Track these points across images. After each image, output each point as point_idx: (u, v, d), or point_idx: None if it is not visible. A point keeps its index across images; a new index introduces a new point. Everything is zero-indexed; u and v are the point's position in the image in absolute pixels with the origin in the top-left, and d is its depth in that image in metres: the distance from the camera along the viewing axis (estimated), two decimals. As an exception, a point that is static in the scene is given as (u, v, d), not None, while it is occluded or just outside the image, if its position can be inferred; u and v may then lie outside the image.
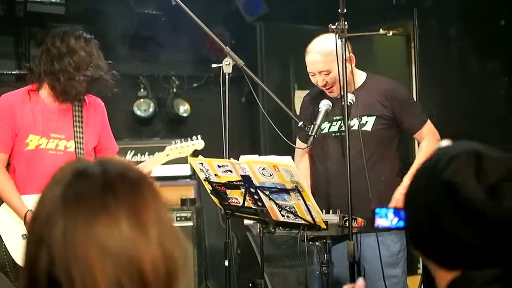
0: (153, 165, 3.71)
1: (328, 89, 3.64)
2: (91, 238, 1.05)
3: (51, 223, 1.07)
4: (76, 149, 3.55)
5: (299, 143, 3.86)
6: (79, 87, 3.49)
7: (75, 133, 3.57)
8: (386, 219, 1.44)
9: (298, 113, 6.44)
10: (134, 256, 1.06)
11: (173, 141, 3.74)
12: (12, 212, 3.47)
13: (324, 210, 3.25)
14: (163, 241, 1.10)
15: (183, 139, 3.74)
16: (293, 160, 3.13)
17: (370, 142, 3.54)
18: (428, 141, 3.67)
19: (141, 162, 4.12)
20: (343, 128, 3.63)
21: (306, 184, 3.05)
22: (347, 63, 3.30)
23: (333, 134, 3.69)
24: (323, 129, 3.67)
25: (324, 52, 3.56)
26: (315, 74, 3.63)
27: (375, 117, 3.63)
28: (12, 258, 3.44)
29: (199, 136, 3.72)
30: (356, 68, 3.70)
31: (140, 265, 1.06)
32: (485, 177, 1.29)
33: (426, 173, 1.37)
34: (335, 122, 3.69)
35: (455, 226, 1.29)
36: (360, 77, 3.75)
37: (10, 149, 3.52)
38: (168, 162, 3.67)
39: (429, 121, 3.73)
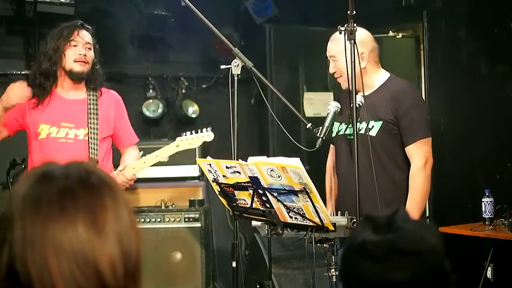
0: (164, 154, 3.66)
1: (337, 78, 3.68)
2: (47, 239, 1.10)
3: (12, 223, 1.12)
4: (90, 138, 3.70)
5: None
6: None
7: (89, 122, 3.72)
8: None
9: (307, 114, 6.48)
10: (90, 256, 1.10)
11: (182, 133, 3.66)
12: None
13: (332, 212, 3.24)
14: (122, 242, 1.13)
15: (193, 131, 3.64)
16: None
17: (375, 147, 3.50)
18: (418, 168, 3.49)
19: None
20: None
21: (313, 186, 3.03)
22: (359, 62, 3.31)
23: (347, 137, 3.65)
24: (340, 130, 3.67)
25: (335, 39, 3.59)
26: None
27: (382, 122, 3.55)
28: None
29: (209, 128, 3.63)
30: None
31: (96, 265, 1.10)
32: (374, 224, 1.43)
33: (341, 259, 1.49)
34: (351, 125, 3.66)
35: (385, 272, 1.37)
36: (381, 77, 3.68)
37: (10, 129, 3.77)
38: (177, 163, 3.63)
39: (429, 139, 3.55)
